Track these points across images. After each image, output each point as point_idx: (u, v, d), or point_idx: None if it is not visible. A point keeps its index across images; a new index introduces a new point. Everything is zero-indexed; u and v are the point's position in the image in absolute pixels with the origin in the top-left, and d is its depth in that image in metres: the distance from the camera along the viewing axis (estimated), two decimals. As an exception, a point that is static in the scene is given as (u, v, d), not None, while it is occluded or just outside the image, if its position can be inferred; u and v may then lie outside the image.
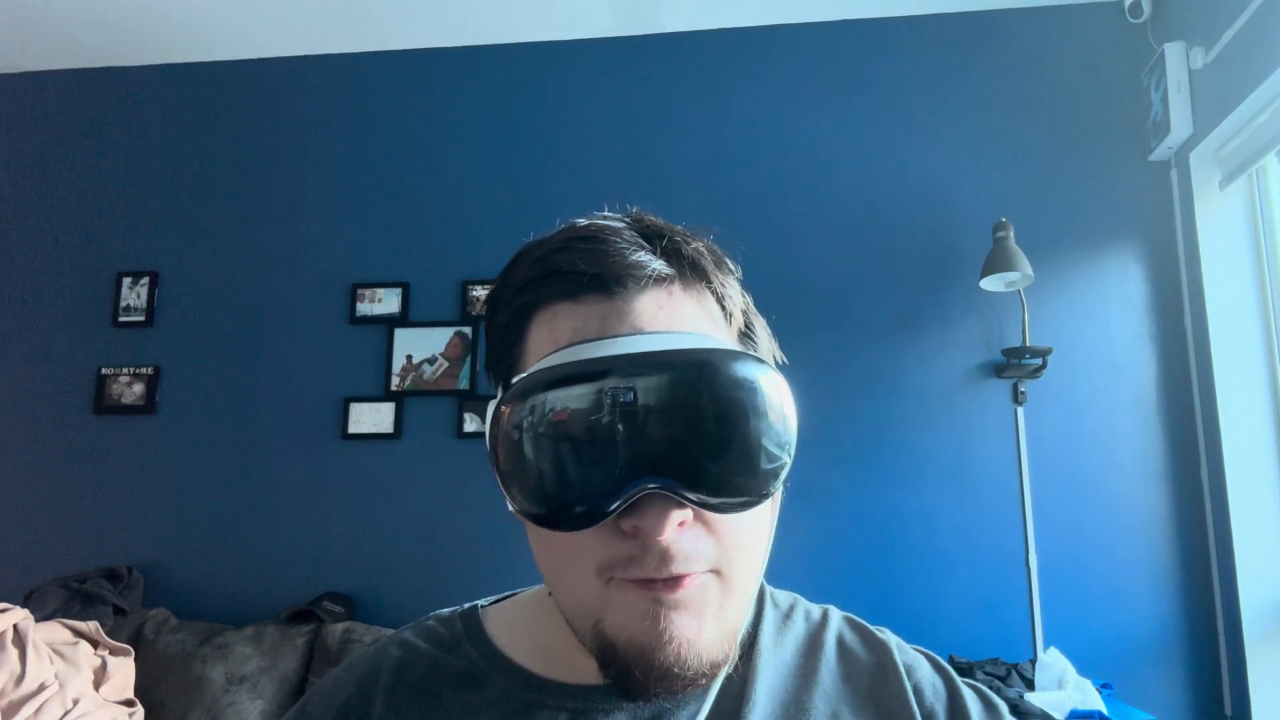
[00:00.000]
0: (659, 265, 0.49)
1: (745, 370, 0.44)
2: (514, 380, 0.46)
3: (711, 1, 2.50)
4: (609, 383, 0.43)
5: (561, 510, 0.44)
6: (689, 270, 0.50)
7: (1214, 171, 2.20)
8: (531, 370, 0.45)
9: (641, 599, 0.44)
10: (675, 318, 0.48)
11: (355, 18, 2.54)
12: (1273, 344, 2.10)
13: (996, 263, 2.13)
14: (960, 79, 2.46)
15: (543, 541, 0.48)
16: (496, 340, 0.52)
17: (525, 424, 0.44)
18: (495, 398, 0.49)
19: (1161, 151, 2.28)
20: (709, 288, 0.51)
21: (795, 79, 2.54)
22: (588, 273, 0.48)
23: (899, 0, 2.46)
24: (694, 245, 0.51)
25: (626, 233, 0.50)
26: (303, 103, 2.69)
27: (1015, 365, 2.20)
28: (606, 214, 0.53)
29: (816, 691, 0.52)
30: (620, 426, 0.43)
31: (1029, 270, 2.11)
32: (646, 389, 0.43)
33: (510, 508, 0.48)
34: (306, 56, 2.72)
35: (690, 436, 0.43)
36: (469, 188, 2.57)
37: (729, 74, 2.56)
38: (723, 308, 0.52)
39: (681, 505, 0.43)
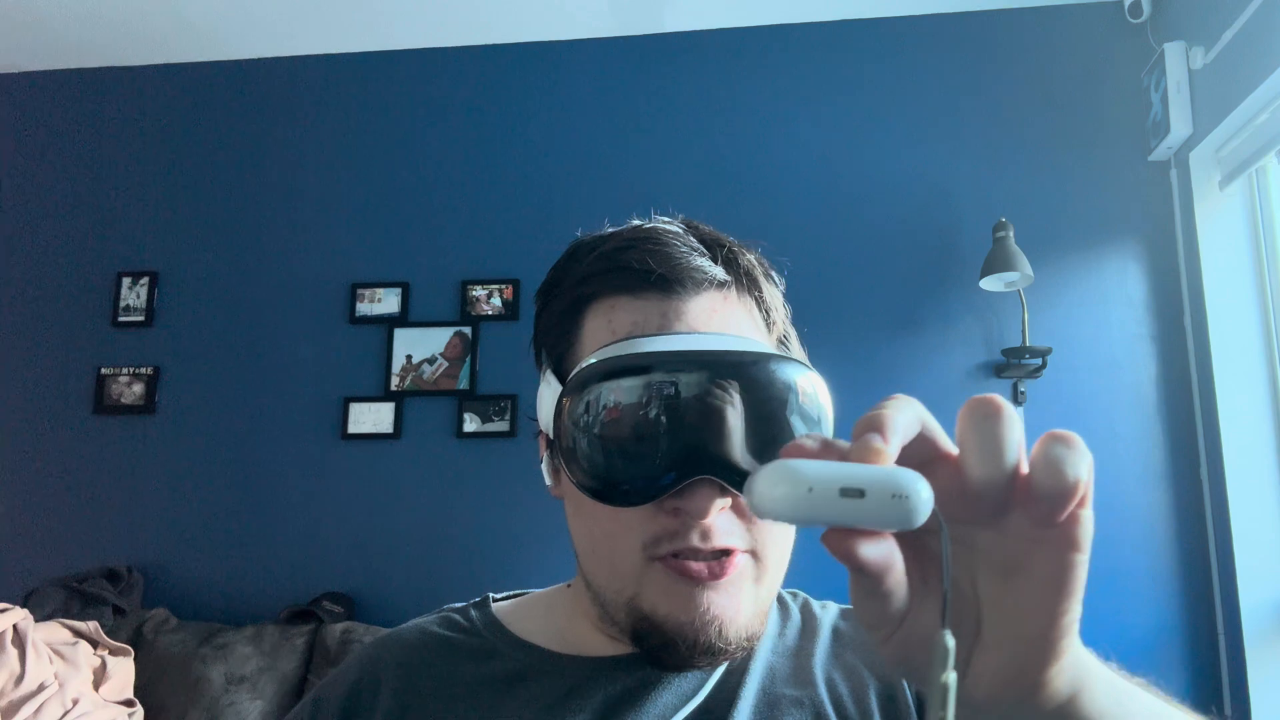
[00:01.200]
0: (717, 271, 0.53)
1: (792, 373, 0.48)
2: (581, 366, 0.49)
3: (712, 1, 2.50)
4: (668, 376, 0.46)
5: (616, 488, 0.47)
6: (743, 279, 0.55)
7: (1214, 171, 2.20)
8: (596, 358, 0.48)
9: (682, 583, 0.48)
10: (727, 321, 0.52)
11: (354, 18, 2.54)
12: (1273, 344, 2.10)
13: (996, 263, 2.13)
14: (960, 79, 2.46)
15: (586, 517, 0.52)
16: (550, 327, 0.56)
17: (588, 408, 0.47)
18: (543, 381, 0.54)
19: (1161, 151, 2.28)
20: (757, 296, 0.56)
21: (795, 79, 2.53)
22: (655, 271, 0.51)
23: (899, 0, 2.46)
24: (748, 257, 0.56)
25: (685, 237, 0.54)
26: (303, 103, 2.69)
27: (1015, 365, 2.20)
28: (661, 217, 0.57)
29: (812, 664, 0.55)
30: (676, 417, 0.46)
31: (1029, 270, 2.11)
32: (702, 385, 0.46)
33: (550, 482, 0.52)
34: (306, 56, 2.72)
35: (739, 431, 0.46)
36: (469, 188, 2.57)
37: (729, 74, 2.56)
38: (767, 316, 0.56)
39: (726, 492, 0.47)
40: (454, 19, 2.56)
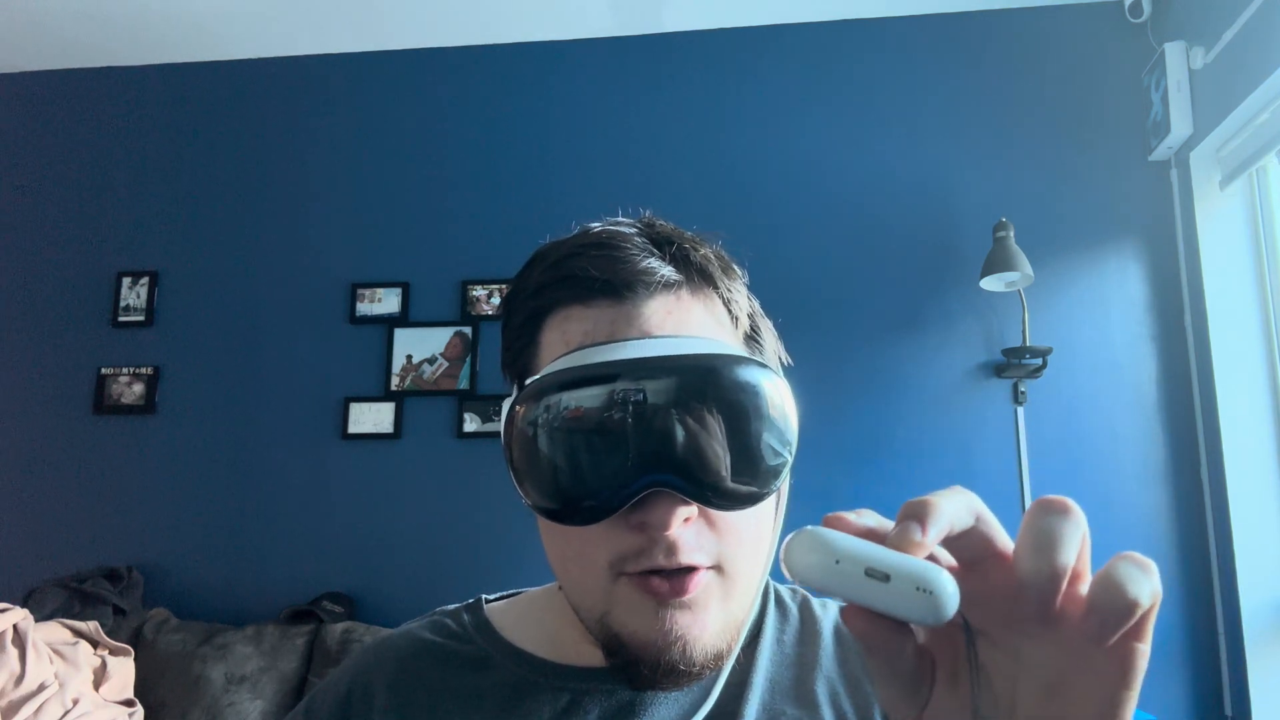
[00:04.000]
0: (667, 271, 0.50)
1: (747, 374, 0.46)
2: (527, 381, 0.47)
3: (711, 1, 2.50)
4: (616, 385, 0.44)
5: (571, 505, 0.46)
6: (697, 276, 0.52)
7: (1214, 171, 2.20)
8: (543, 372, 0.47)
9: (647, 601, 0.46)
10: (682, 322, 0.50)
11: (355, 18, 2.54)
12: (1273, 344, 2.10)
13: (996, 263, 2.13)
14: (960, 79, 2.46)
15: (553, 535, 0.50)
16: (511, 340, 0.54)
17: (537, 424, 0.46)
18: (510, 395, 0.51)
19: (1161, 151, 2.28)
20: (716, 292, 0.53)
21: (795, 79, 2.53)
22: (599, 278, 0.49)
23: (899, 0, 2.46)
24: (702, 251, 0.53)
25: (637, 239, 0.52)
26: (303, 103, 2.69)
27: (1015, 365, 2.20)
28: (619, 219, 0.55)
29: (815, 676, 0.53)
30: (627, 427, 0.44)
31: (1029, 270, 2.11)
32: (652, 391, 0.44)
33: (524, 502, 0.49)
34: (306, 56, 2.72)
35: (694, 438, 0.44)
36: (469, 188, 2.57)
37: (729, 74, 2.56)
38: (729, 311, 0.53)
39: (687, 503, 0.45)
40: (454, 19, 2.56)
